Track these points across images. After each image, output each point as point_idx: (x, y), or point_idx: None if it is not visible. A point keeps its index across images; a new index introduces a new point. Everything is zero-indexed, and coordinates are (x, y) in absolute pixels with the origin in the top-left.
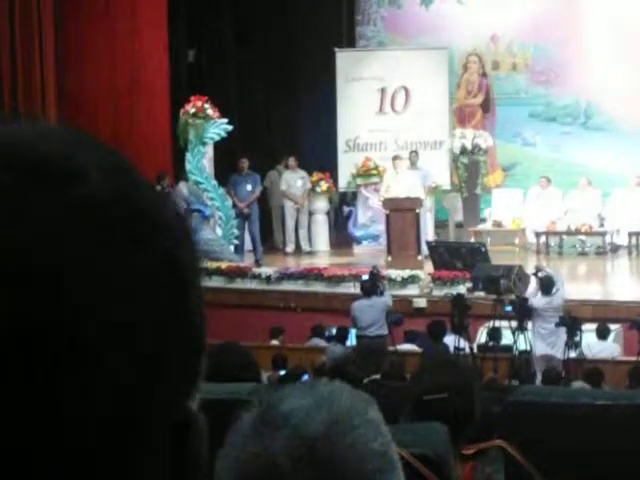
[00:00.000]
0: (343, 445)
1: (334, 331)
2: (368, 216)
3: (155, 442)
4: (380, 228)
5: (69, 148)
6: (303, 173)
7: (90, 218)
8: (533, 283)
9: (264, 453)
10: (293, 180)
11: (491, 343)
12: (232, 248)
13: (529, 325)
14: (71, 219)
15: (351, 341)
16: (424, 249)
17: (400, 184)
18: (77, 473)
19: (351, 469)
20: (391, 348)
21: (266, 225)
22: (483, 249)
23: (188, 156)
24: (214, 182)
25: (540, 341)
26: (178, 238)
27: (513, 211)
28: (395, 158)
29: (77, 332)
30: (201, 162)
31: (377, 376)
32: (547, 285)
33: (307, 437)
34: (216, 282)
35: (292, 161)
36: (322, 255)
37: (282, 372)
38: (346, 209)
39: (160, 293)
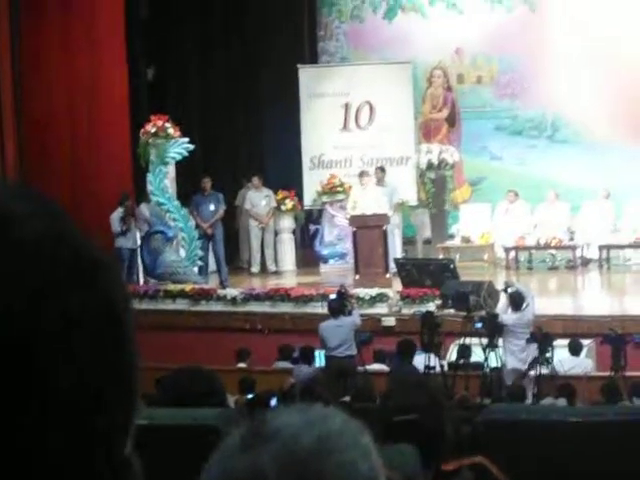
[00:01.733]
0: (332, 463)
1: None
2: (334, 234)
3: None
4: (347, 246)
5: (6, 197)
6: (268, 192)
7: (25, 260)
8: (503, 299)
9: (252, 465)
10: (257, 199)
11: (462, 360)
12: (196, 269)
13: (500, 342)
14: (6, 261)
15: (320, 362)
16: (392, 266)
17: (367, 201)
18: None
19: None
20: (360, 368)
21: (232, 245)
22: (452, 265)
23: (149, 177)
24: (176, 202)
25: (511, 357)
26: (112, 281)
27: (481, 226)
28: (362, 174)
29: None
30: (163, 182)
31: (347, 397)
32: (517, 301)
33: (297, 452)
34: (180, 305)
35: (256, 180)
36: (288, 275)
37: (250, 396)
38: (312, 227)
39: (96, 333)
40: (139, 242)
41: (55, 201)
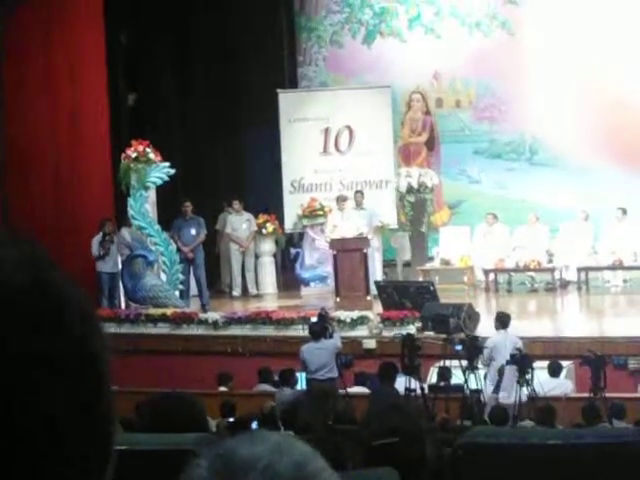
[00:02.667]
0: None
1: None
2: (315, 257)
3: None
4: (328, 269)
5: None
6: (248, 215)
7: (4, 305)
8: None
9: None
10: (238, 223)
11: (442, 383)
12: (177, 293)
13: (479, 364)
14: None
15: (301, 385)
16: (372, 289)
17: (346, 224)
18: None
19: None
20: (342, 391)
21: (213, 269)
22: (432, 288)
23: (130, 201)
24: (157, 227)
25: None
26: (93, 328)
27: (461, 249)
28: (339, 199)
29: None
30: (144, 207)
31: (328, 420)
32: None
33: (280, 478)
34: (161, 329)
35: (236, 204)
36: (270, 298)
37: (231, 419)
38: (293, 251)
39: (73, 382)
40: (120, 267)
41: (43, 249)
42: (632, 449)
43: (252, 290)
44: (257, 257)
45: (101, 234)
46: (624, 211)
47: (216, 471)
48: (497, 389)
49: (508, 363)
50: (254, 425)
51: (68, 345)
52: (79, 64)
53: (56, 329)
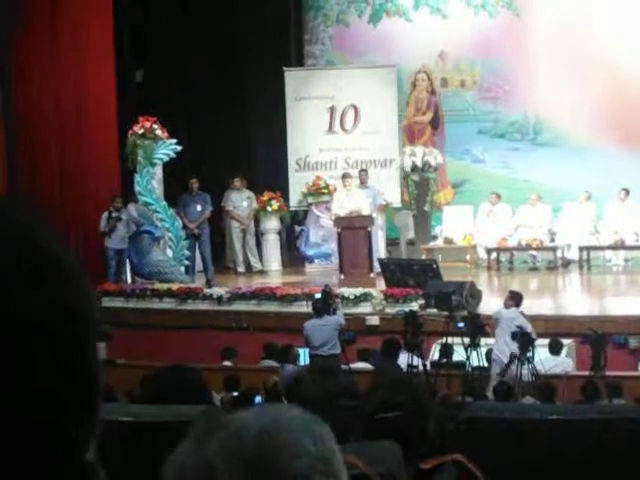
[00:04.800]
0: (276, 445)
1: None
2: (320, 235)
3: None
4: (332, 247)
5: None
6: (249, 193)
7: None
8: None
9: (201, 456)
10: (239, 200)
11: (444, 360)
12: (183, 269)
13: (482, 341)
14: None
15: (304, 360)
16: (376, 267)
17: (351, 202)
18: None
19: (282, 466)
20: (344, 367)
21: (219, 245)
22: (435, 266)
23: (137, 177)
24: (164, 203)
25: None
26: (79, 288)
27: (464, 228)
28: (345, 176)
29: None
30: (150, 183)
31: (330, 395)
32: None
33: (242, 438)
34: (167, 304)
35: (237, 181)
36: (274, 274)
37: (235, 393)
38: (297, 228)
39: (57, 344)
40: (124, 244)
41: (39, 213)
42: (632, 425)
43: (256, 266)
44: (262, 234)
45: (111, 210)
46: (627, 191)
47: (196, 435)
48: (503, 374)
49: (512, 339)
50: (258, 399)
51: (52, 306)
52: (86, 39)
53: (41, 289)
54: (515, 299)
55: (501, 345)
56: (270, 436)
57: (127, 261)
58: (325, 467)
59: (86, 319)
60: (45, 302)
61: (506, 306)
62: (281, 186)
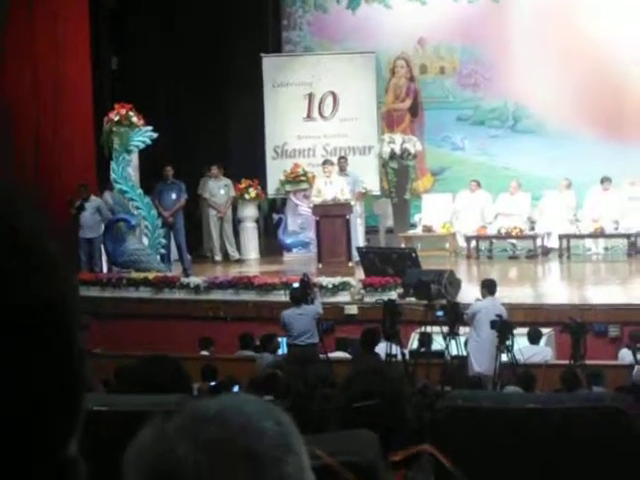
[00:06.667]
0: (235, 423)
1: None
2: (298, 223)
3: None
4: (310, 235)
5: None
6: (227, 181)
7: None
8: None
9: (158, 439)
10: (216, 188)
11: (423, 349)
12: (159, 258)
13: (460, 330)
14: None
15: (282, 350)
16: (355, 255)
17: (330, 189)
18: None
19: (242, 445)
20: (322, 356)
21: (195, 233)
22: (413, 254)
23: (113, 164)
24: (139, 191)
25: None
26: (62, 278)
27: (443, 216)
28: (325, 163)
29: None
30: (126, 170)
31: (308, 385)
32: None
33: (198, 419)
34: (143, 293)
35: (215, 169)
36: (252, 263)
37: (212, 383)
38: (275, 216)
39: (42, 328)
40: (99, 232)
41: (23, 194)
42: (610, 413)
43: (234, 255)
44: (239, 222)
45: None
46: (608, 180)
47: (155, 424)
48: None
49: (491, 328)
50: (235, 389)
51: (39, 296)
52: (61, 26)
53: (29, 281)
54: (487, 287)
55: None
56: (230, 416)
57: (102, 249)
58: (286, 446)
59: (71, 309)
60: (31, 292)
61: (483, 296)
62: (259, 174)
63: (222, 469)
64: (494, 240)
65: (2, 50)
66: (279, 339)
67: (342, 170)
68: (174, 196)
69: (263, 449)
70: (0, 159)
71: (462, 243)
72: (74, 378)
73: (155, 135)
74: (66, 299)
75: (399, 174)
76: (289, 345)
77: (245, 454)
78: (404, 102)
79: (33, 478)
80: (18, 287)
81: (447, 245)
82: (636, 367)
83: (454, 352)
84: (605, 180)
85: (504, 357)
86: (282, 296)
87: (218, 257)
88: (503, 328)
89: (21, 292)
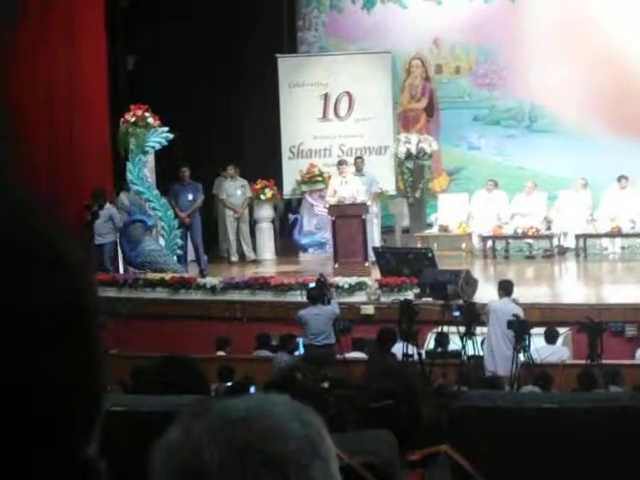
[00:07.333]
0: (261, 426)
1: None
2: (314, 223)
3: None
4: (326, 235)
5: None
6: (243, 182)
7: None
8: None
9: (187, 438)
10: (232, 189)
11: (439, 349)
12: (175, 258)
13: (477, 330)
14: None
15: (299, 350)
16: (371, 255)
17: (346, 189)
18: None
19: (269, 448)
20: (339, 357)
21: (211, 234)
22: (430, 254)
23: (129, 165)
24: (156, 192)
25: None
26: (85, 281)
27: (459, 215)
28: (340, 163)
29: None
30: (142, 171)
31: (325, 385)
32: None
33: (226, 420)
34: (160, 293)
35: (231, 169)
36: (268, 264)
37: (229, 383)
38: (291, 216)
39: (64, 337)
40: (109, 238)
41: (42, 201)
42: (627, 412)
43: (250, 255)
44: (255, 223)
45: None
46: (625, 178)
47: (183, 422)
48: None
49: (508, 327)
50: (252, 390)
51: (61, 298)
52: (77, 27)
53: (50, 282)
54: (503, 288)
55: (496, 341)
56: (256, 419)
57: (119, 250)
58: (313, 450)
59: (91, 309)
60: (51, 292)
61: (500, 296)
62: (274, 174)
63: (247, 472)
64: (510, 240)
65: (11, 50)
66: (297, 339)
67: (359, 170)
68: (190, 197)
69: (288, 453)
70: (14, 161)
71: (478, 243)
72: (94, 378)
73: (171, 136)
74: (86, 299)
75: (415, 174)
76: (306, 345)
77: (270, 458)
78: (420, 102)
79: (54, 479)
80: (38, 288)
81: (463, 245)
82: None
83: (470, 352)
84: (622, 178)
85: (521, 357)
86: (298, 296)
87: (234, 258)
88: (520, 328)
89: (42, 293)
